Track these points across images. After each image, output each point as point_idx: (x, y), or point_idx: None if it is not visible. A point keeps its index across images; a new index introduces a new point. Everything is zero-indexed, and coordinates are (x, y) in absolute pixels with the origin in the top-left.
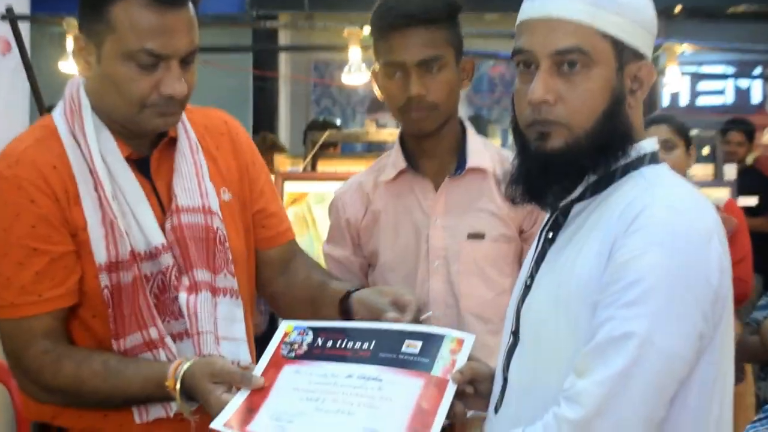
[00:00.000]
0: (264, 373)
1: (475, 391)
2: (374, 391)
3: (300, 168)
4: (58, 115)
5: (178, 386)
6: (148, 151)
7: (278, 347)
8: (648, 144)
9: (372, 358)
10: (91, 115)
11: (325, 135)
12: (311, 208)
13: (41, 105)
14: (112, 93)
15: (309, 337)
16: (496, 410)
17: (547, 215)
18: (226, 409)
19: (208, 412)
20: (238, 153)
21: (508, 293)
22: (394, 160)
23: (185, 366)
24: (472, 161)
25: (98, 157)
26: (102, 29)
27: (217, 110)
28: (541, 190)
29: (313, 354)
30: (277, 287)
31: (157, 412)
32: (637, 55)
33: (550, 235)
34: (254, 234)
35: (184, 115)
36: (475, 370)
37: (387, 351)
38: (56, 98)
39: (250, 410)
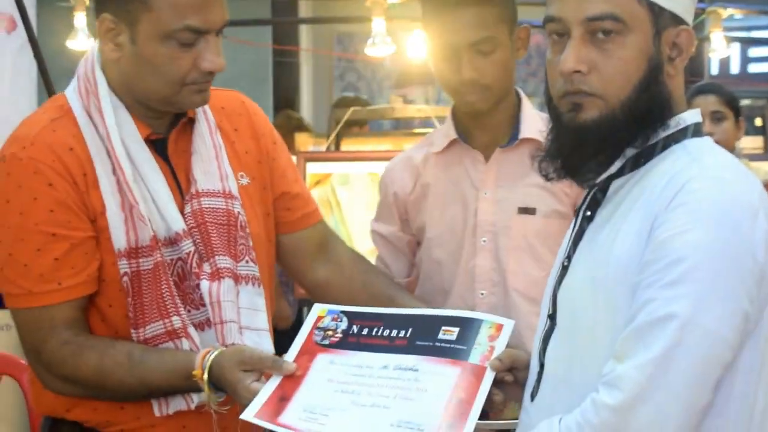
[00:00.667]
0: (296, 360)
1: (515, 379)
2: (410, 383)
3: (323, 148)
4: (71, 94)
5: (206, 376)
6: (166, 132)
7: (311, 332)
8: (690, 116)
9: (408, 347)
10: (108, 94)
11: (349, 112)
12: (335, 190)
13: (49, 85)
14: (149, 74)
15: (344, 324)
16: (532, 398)
17: (585, 192)
18: (257, 399)
19: (236, 404)
20: (257, 135)
21: None
22: (446, 130)
23: (213, 355)
24: (525, 132)
25: (117, 138)
26: (135, 8)
27: (233, 91)
28: (577, 164)
29: (348, 342)
30: (320, 276)
31: (178, 404)
32: (676, 20)
33: (588, 213)
34: (278, 218)
35: None
36: (515, 357)
37: (423, 339)
38: (64, 78)
39: (282, 400)
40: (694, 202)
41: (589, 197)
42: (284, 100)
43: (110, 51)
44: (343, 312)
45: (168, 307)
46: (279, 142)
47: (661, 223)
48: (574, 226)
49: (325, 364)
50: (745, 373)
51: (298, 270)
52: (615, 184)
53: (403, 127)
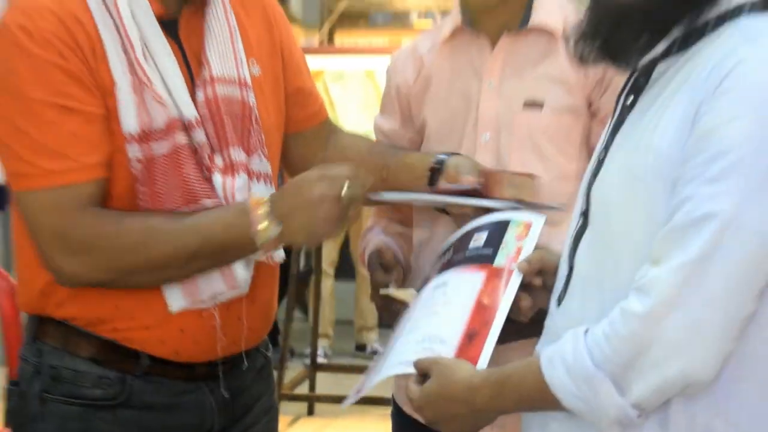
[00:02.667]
0: None
1: (544, 284)
2: (439, 298)
3: (315, 41)
4: None
5: (265, 208)
6: (176, 10)
7: None
8: None
9: (447, 266)
10: None
11: (344, 1)
12: (328, 87)
13: None
14: None
15: None
16: (559, 303)
17: (626, 77)
18: None
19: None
20: (270, 23)
21: (572, 180)
22: (452, 16)
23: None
24: (537, 17)
25: (127, 12)
26: None
27: None
28: (618, 45)
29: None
30: (316, 162)
31: (216, 286)
32: None
33: (630, 100)
34: (289, 114)
35: None
36: (545, 260)
37: (458, 253)
38: None
39: None
40: (743, 89)
41: (630, 82)
42: None
43: None
44: None
45: (197, 192)
46: (292, 34)
47: (706, 111)
48: (614, 116)
49: None
50: None
51: (299, 168)
52: (660, 67)
53: (399, 20)
